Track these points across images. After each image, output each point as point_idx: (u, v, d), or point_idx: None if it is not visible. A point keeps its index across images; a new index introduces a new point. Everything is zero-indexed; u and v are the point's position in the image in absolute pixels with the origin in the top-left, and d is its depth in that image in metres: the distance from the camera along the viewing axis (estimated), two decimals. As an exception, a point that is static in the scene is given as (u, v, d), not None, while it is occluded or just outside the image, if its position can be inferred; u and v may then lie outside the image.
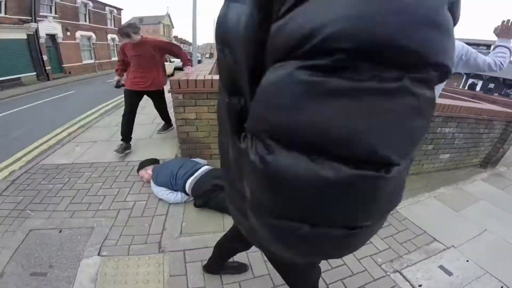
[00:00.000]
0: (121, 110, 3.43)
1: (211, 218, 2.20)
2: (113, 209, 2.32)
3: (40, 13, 14.62)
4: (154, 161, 2.82)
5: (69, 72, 16.91)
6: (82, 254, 1.83)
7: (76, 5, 17.96)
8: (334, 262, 1.73)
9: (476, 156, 3.81)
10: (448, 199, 2.76)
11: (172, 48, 3.45)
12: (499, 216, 2.51)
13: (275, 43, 0.29)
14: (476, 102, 4.39)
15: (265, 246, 0.67)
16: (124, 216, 2.22)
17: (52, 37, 15.85)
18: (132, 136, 3.52)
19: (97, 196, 2.50)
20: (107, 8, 22.11)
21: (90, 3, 19.37)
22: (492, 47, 1.79)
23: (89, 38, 19.73)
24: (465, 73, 21.28)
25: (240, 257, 1.70)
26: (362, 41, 0.24)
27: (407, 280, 1.66)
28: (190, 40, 14.48)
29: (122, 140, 3.36)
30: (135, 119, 3.44)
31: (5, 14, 12.55)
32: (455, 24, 0.28)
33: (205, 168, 2.45)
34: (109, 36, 22.31)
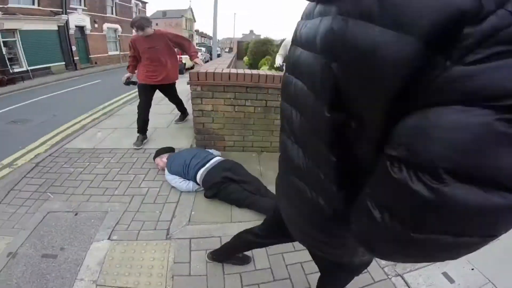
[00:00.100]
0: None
1: (219, 208, 2.21)
2: (127, 194, 2.39)
3: (70, 5, 15.27)
4: (169, 150, 2.87)
5: (95, 63, 17.62)
6: (94, 237, 1.89)
7: (104, -3, 18.60)
8: (337, 261, 1.70)
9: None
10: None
11: (182, 41, 3.43)
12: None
13: (458, 87, 0.31)
14: None
15: (320, 246, 0.75)
16: (137, 202, 2.28)
17: (80, 28, 16.54)
18: (151, 125, 3.62)
19: (114, 182, 2.58)
20: (132, 1, 22.72)
21: (117, -4, 20.00)
22: None
23: (115, 30, 20.40)
24: None
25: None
26: None
27: (407, 284, 1.61)
28: (211, 34, 14.58)
29: (138, 132, 3.44)
30: (155, 108, 3.51)
31: (38, 6, 13.21)
32: None
33: (216, 159, 2.46)
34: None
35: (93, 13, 17.33)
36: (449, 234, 0.35)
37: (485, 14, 0.28)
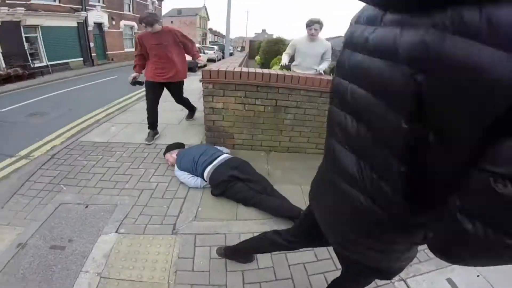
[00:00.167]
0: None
1: (226, 206, 2.23)
2: (137, 188, 2.44)
3: (90, 2, 15.69)
4: (179, 145, 2.92)
5: (112, 59, 18.04)
6: (102, 230, 1.93)
7: (122, -5, 19.00)
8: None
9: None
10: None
11: (187, 42, 3.40)
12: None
13: None
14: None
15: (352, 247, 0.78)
16: (146, 196, 2.33)
17: (99, 25, 16.96)
18: (163, 121, 3.67)
19: (125, 175, 2.65)
20: (149, -1, 23.07)
21: (134, -7, 20.37)
22: None
23: (131, 27, 20.80)
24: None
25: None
26: None
27: (409, 289, 1.59)
28: (224, 33, 14.67)
29: (149, 128, 3.50)
30: (166, 105, 3.55)
31: (59, 2, 13.65)
32: None
33: (223, 157, 2.47)
34: (150, 26, 23.32)
35: (111, 10, 17.74)
36: None
37: None
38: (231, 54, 17.74)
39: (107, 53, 17.96)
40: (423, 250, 1.91)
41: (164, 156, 2.86)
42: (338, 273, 1.60)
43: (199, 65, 3.98)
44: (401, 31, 0.50)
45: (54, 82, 10.51)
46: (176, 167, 2.57)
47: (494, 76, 0.35)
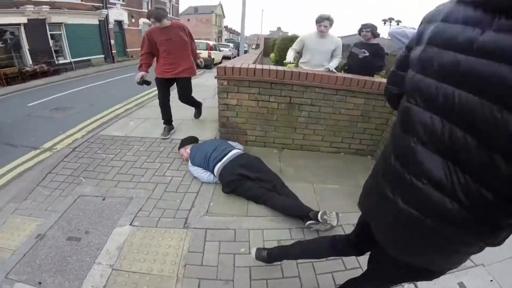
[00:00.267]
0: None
1: (237, 202, 2.25)
2: (152, 182, 2.50)
3: (110, 1, 16.16)
4: (193, 140, 2.97)
5: (131, 56, 18.53)
6: (117, 222, 1.99)
7: (141, -7, 19.41)
8: (350, 263, 1.66)
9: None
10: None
11: (192, 40, 3.39)
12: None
13: None
14: None
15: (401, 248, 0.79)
16: (161, 190, 2.38)
17: (119, 23, 17.46)
18: (179, 116, 3.72)
19: (141, 169, 2.72)
20: (167, -4, 23.42)
21: (153, -8, 20.74)
22: None
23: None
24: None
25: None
26: None
27: (419, 291, 1.54)
28: (239, 30, 14.69)
29: (164, 123, 3.57)
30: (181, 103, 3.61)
31: (81, 0, 14.16)
32: None
33: (233, 152, 2.47)
34: (167, 24, 23.75)
35: (130, 8, 18.20)
36: None
37: None
38: (246, 52, 17.75)
39: (126, 50, 18.47)
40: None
41: (178, 151, 2.91)
42: (346, 273, 1.60)
43: (214, 62, 3.98)
44: None
45: (77, 78, 10.94)
46: (189, 162, 2.61)
47: None
